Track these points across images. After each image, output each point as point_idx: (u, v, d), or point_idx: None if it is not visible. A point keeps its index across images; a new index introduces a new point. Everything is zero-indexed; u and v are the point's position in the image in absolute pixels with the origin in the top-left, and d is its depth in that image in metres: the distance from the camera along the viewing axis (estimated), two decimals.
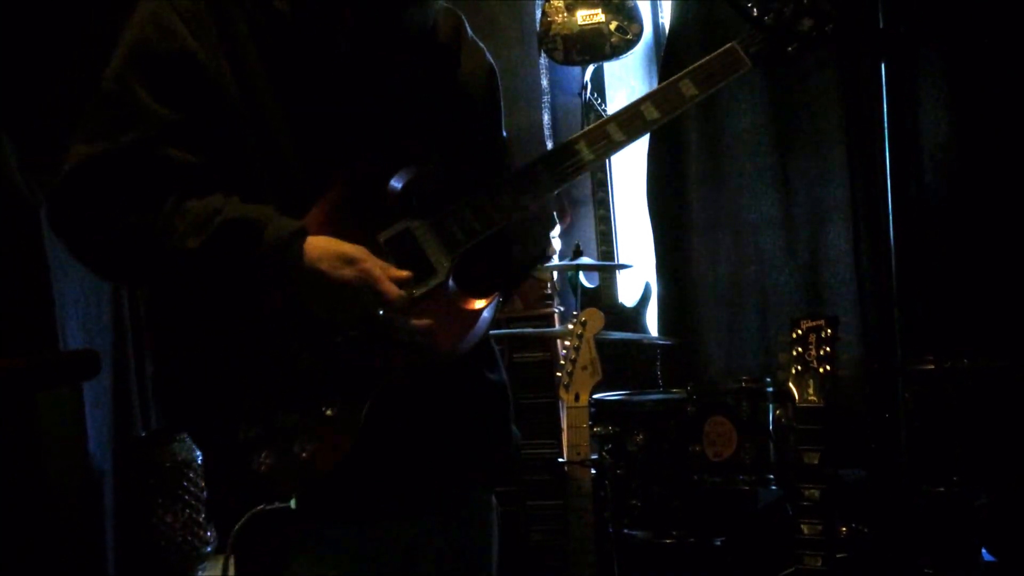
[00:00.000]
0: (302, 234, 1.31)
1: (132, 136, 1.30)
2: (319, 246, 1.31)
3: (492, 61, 1.61)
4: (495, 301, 1.40)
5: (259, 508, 1.28)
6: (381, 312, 1.30)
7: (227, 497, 1.35)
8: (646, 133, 1.48)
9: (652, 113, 1.45)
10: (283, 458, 1.30)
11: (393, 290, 1.31)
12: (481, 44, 1.60)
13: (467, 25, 1.58)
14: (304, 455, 1.30)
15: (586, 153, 1.43)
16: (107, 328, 3.07)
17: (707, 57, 1.48)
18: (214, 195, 1.32)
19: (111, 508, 3.01)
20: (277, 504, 1.29)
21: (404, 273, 1.35)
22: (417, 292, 1.36)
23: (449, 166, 1.46)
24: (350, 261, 1.31)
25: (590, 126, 1.46)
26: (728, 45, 1.48)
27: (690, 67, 1.48)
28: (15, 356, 2.41)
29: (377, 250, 1.36)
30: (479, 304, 1.39)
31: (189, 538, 3.01)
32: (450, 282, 1.38)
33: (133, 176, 1.30)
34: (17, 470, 2.67)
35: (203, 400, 1.34)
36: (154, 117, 1.31)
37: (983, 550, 2.58)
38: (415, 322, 1.33)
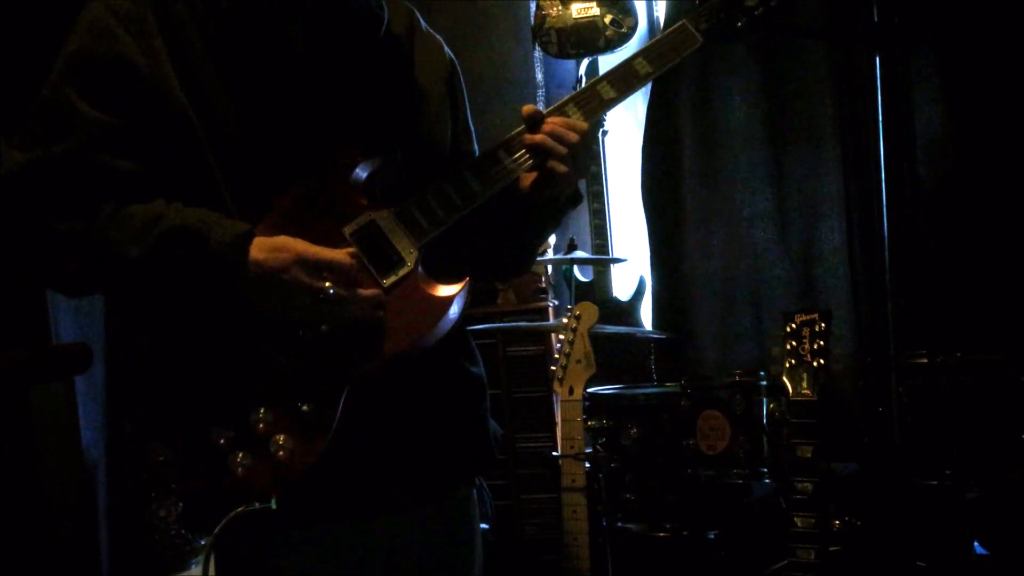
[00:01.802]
0: (248, 237, 1.29)
1: (67, 144, 1.29)
2: (258, 245, 1.29)
3: (451, 53, 1.61)
4: (467, 287, 1.39)
5: (239, 510, 1.27)
6: (327, 285, 1.28)
7: (205, 501, 1.33)
8: (604, 112, 1.53)
9: (609, 93, 1.48)
10: (260, 458, 1.29)
11: (331, 254, 1.30)
12: (438, 37, 1.60)
13: (420, 19, 1.59)
14: (281, 454, 1.29)
15: None
16: (100, 322, 3.07)
17: (660, 35, 1.54)
18: (155, 201, 1.30)
19: (104, 502, 3.00)
20: (257, 505, 1.28)
21: (346, 250, 1.33)
22: (387, 282, 1.35)
23: (409, 158, 1.45)
24: (284, 247, 1.29)
25: (548, 109, 1.47)
26: (679, 22, 1.53)
27: (644, 46, 1.52)
28: (8, 350, 2.40)
29: (343, 243, 1.35)
30: (451, 290, 1.38)
31: (183, 532, 3.01)
32: (419, 270, 1.38)
33: (67, 184, 1.29)
34: (10, 464, 2.66)
35: (174, 406, 1.33)
36: (90, 124, 1.30)
37: (975, 543, 2.59)
38: (362, 292, 1.31)
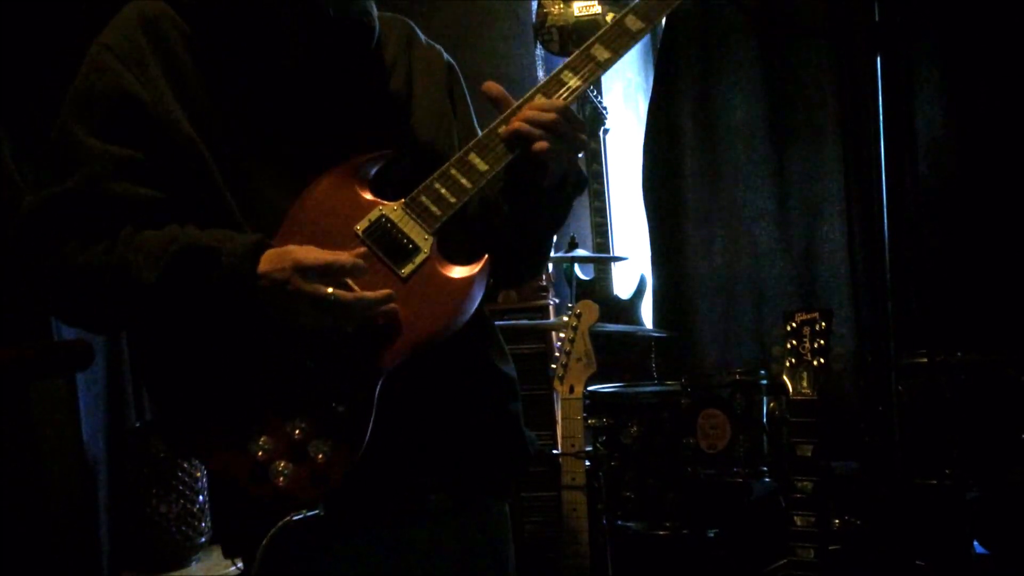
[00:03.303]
0: (259, 247, 1.29)
1: (78, 177, 1.31)
2: (267, 256, 1.29)
3: (449, 59, 1.61)
4: (487, 264, 1.39)
5: (288, 519, 1.27)
6: (330, 291, 1.27)
7: (248, 515, 1.33)
8: (600, 75, 1.48)
9: (603, 54, 1.45)
10: (301, 465, 1.29)
11: (330, 257, 1.29)
12: (437, 46, 1.60)
13: (419, 33, 1.59)
14: (321, 457, 1.28)
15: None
16: None
17: None
18: (169, 226, 1.31)
19: (105, 499, 3.00)
20: (305, 513, 1.28)
21: (353, 251, 1.33)
22: (405, 271, 1.35)
23: (414, 161, 1.44)
24: (285, 255, 1.29)
25: (544, 80, 1.45)
26: None
27: (634, 3, 1.48)
28: (9, 347, 2.41)
29: (355, 242, 1.35)
30: (470, 270, 1.38)
31: (183, 528, 3.01)
32: (437, 255, 1.38)
33: (82, 215, 1.31)
34: (11, 461, 2.66)
35: (210, 424, 1.32)
36: (99, 156, 1.32)
37: (975, 542, 2.59)
38: (367, 293, 1.30)
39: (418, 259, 1.36)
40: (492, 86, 1.42)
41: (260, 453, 1.29)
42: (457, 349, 1.39)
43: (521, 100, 1.44)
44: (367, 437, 1.30)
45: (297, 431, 1.29)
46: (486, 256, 1.40)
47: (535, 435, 1.60)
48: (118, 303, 1.31)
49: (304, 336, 1.30)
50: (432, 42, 1.61)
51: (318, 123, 1.42)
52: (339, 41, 1.45)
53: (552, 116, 1.40)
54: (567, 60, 1.46)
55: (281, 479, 1.28)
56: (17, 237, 1.33)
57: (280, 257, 1.29)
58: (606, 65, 1.45)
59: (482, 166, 1.40)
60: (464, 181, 1.39)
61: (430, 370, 1.37)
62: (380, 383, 1.31)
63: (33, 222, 1.32)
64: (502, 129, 1.41)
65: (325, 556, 1.38)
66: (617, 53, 1.45)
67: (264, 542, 1.27)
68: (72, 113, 1.35)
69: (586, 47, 1.46)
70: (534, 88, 1.45)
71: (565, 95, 1.43)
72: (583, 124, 1.45)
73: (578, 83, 1.44)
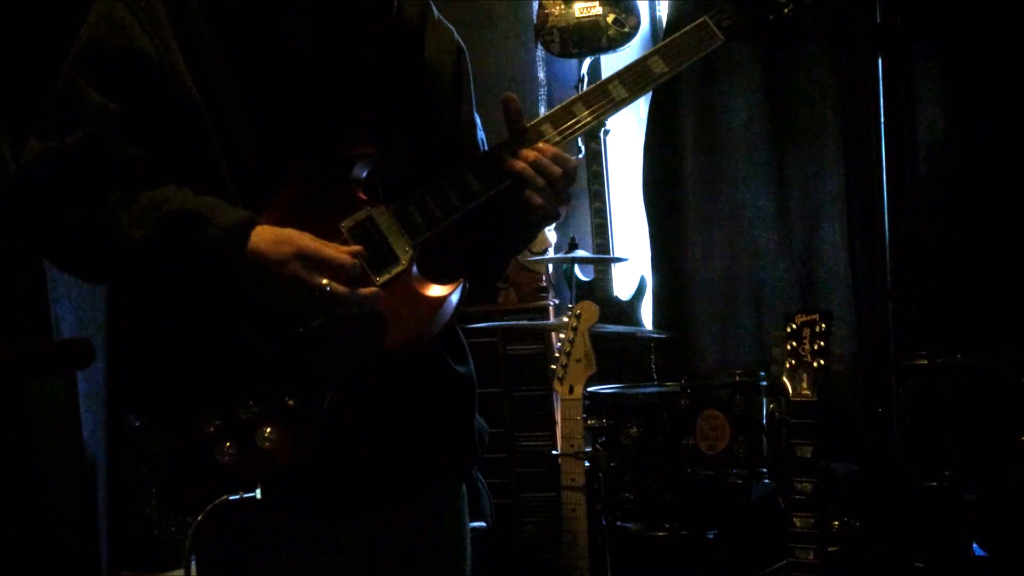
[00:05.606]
0: (249, 224, 1.30)
1: (81, 133, 1.31)
2: (262, 234, 1.30)
3: (460, 40, 1.59)
4: (461, 287, 1.39)
5: (224, 498, 1.28)
6: (325, 282, 1.27)
7: (190, 488, 1.34)
8: (613, 113, 1.47)
9: (620, 93, 1.44)
10: (246, 449, 1.31)
11: (333, 253, 1.30)
12: (449, 25, 1.59)
13: (433, 7, 1.58)
14: (266, 446, 1.30)
15: (551, 135, 1.44)
16: (101, 317, 3.07)
17: (678, 32, 1.48)
18: (166, 186, 1.32)
19: (104, 497, 3.01)
20: (242, 494, 1.29)
21: (349, 248, 1.33)
22: (380, 280, 1.35)
23: (414, 151, 1.44)
24: (287, 240, 1.29)
25: (555, 108, 1.45)
26: (700, 20, 1.47)
27: (660, 43, 1.47)
28: (8, 345, 2.41)
29: (340, 238, 1.35)
30: (443, 290, 1.38)
31: (183, 528, 3.01)
32: (414, 269, 1.38)
33: (82, 172, 1.31)
34: (10, 459, 2.67)
35: (166, 393, 1.34)
36: (102, 113, 1.32)
37: (974, 544, 2.59)
38: (360, 291, 1.31)
39: (395, 270, 1.36)
40: (512, 100, 1.43)
41: (210, 429, 1.30)
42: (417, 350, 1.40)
43: (532, 123, 1.43)
44: (316, 433, 1.31)
45: (247, 415, 1.31)
46: (461, 279, 1.39)
47: (487, 425, 1.61)
48: (103, 257, 1.32)
49: (273, 323, 1.31)
50: (445, 20, 1.59)
51: (323, 106, 1.41)
52: (356, 22, 1.44)
53: (558, 172, 1.40)
54: (583, 91, 1.45)
55: (226, 458, 1.30)
56: (15, 184, 1.33)
57: (281, 239, 1.29)
58: (621, 105, 1.45)
59: (475, 186, 1.40)
60: (455, 199, 1.39)
61: (384, 369, 1.38)
62: (334, 384, 1.32)
63: (32, 174, 1.32)
64: (508, 161, 1.41)
65: (270, 541, 1.39)
66: (634, 95, 1.44)
67: (199, 518, 1.29)
68: (79, 65, 1.34)
69: (604, 82, 1.44)
70: (544, 115, 1.45)
71: (575, 128, 1.43)
72: (576, 177, 1.45)
73: (589, 118, 1.44)
